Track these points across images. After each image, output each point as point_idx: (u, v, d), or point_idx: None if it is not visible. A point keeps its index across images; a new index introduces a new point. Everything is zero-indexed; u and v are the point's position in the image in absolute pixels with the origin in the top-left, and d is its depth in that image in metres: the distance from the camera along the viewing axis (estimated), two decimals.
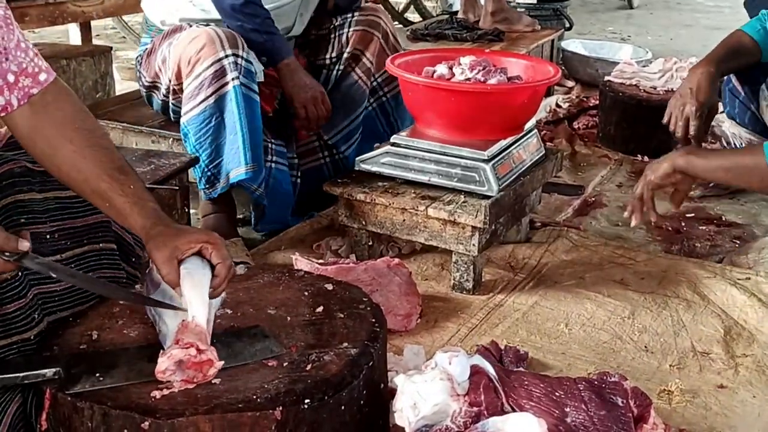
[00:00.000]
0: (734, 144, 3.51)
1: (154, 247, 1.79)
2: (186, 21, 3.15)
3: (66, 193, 1.96)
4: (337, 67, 3.44)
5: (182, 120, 2.97)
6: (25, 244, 1.67)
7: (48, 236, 1.91)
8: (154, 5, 3.23)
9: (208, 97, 2.90)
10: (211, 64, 2.87)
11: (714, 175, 2.60)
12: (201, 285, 1.76)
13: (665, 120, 3.16)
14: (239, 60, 2.90)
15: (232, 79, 2.89)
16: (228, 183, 2.96)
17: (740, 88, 3.44)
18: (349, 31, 3.42)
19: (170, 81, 3.08)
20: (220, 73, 2.88)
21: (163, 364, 1.64)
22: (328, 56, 3.45)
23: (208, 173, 2.96)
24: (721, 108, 3.41)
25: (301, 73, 3.17)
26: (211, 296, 1.78)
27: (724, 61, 3.15)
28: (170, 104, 3.18)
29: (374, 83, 3.45)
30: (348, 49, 3.42)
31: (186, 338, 1.66)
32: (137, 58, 3.33)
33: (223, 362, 1.68)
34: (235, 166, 2.93)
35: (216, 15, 3.08)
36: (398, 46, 3.46)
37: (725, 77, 3.41)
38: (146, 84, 3.27)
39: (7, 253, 1.65)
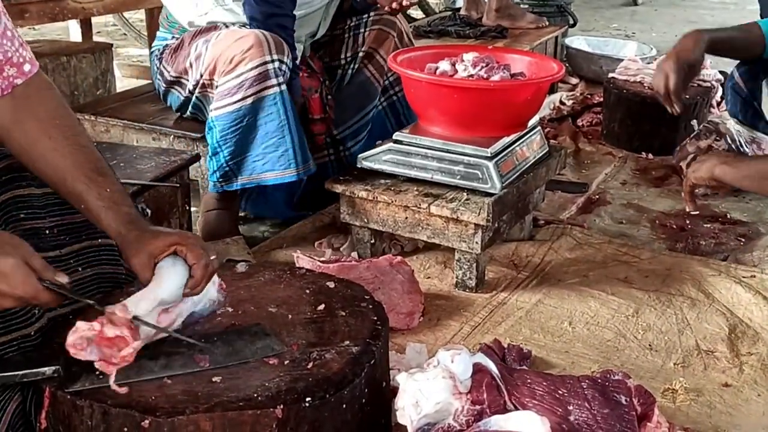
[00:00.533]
0: (738, 141, 3.51)
1: (129, 253, 1.78)
2: (214, 23, 3.16)
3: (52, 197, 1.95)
4: (351, 66, 3.45)
5: (211, 114, 2.98)
6: (65, 278, 1.65)
7: (47, 231, 1.91)
8: (181, 6, 3.22)
9: (246, 98, 2.90)
10: (256, 66, 2.88)
11: (742, 183, 2.75)
12: (159, 282, 1.75)
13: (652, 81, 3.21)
14: (284, 67, 2.92)
15: (278, 84, 2.90)
16: (260, 181, 2.97)
17: (743, 86, 3.44)
18: (365, 31, 3.45)
19: (201, 76, 3.07)
20: (263, 77, 2.89)
21: (70, 338, 1.62)
22: (342, 56, 3.48)
23: (227, 168, 2.97)
24: (720, 94, 3.41)
25: None
26: (186, 295, 1.78)
27: (720, 36, 3.18)
28: (193, 99, 3.17)
29: (386, 82, 3.46)
30: (363, 48, 3.44)
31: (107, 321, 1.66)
32: (155, 53, 3.32)
33: (139, 342, 1.65)
34: (281, 168, 2.94)
35: (244, 18, 3.09)
36: (412, 46, 3.47)
37: (729, 75, 3.41)
38: (169, 79, 3.25)
39: (47, 282, 1.62)
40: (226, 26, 3.12)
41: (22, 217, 1.88)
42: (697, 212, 2.83)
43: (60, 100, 1.90)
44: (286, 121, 2.92)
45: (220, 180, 2.99)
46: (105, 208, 1.80)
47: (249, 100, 2.90)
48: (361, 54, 3.45)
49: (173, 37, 3.24)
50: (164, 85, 3.29)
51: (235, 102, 2.91)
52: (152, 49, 3.38)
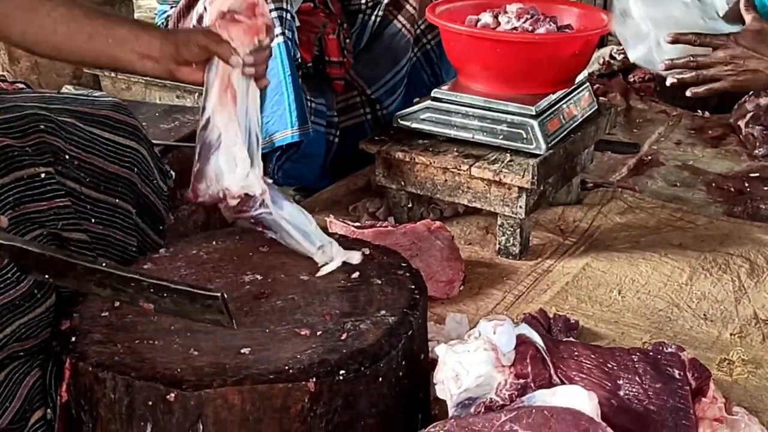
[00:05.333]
0: None
1: (191, 32, 1.89)
2: None
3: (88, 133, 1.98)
4: (375, 12, 3.41)
5: None
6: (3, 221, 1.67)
7: (67, 157, 1.93)
8: None
9: None
10: None
11: None
12: None
13: None
14: (285, 14, 2.88)
15: (278, 34, 2.87)
16: (272, 144, 2.96)
17: None
18: None
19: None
20: None
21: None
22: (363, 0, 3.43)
23: None
24: None
25: None
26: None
27: None
28: None
29: (418, 31, 3.42)
30: None
31: None
32: (161, 24, 3.31)
33: None
34: (281, 128, 2.92)
35: None
36: None
37: None
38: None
39: None
40: None
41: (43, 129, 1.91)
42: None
43: None
44: (284, 75, 2.87)
45: None
46: (138, 27, 1.86)
47: None
48: (386, 1, 3.39)
49: (171, 6, 3.22)
50: None
51: None
52: (156, 25, 3.37)
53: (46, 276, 1.67)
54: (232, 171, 1.91)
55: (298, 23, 3.02)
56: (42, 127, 1.89)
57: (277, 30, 2.85)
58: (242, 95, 1.93)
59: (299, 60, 3.00)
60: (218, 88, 1.92)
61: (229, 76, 1.91)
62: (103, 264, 1.66)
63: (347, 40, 3.33)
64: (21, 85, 2.08)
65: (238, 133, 1.92)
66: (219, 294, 1.63)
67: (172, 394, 1.57)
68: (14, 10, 1.83)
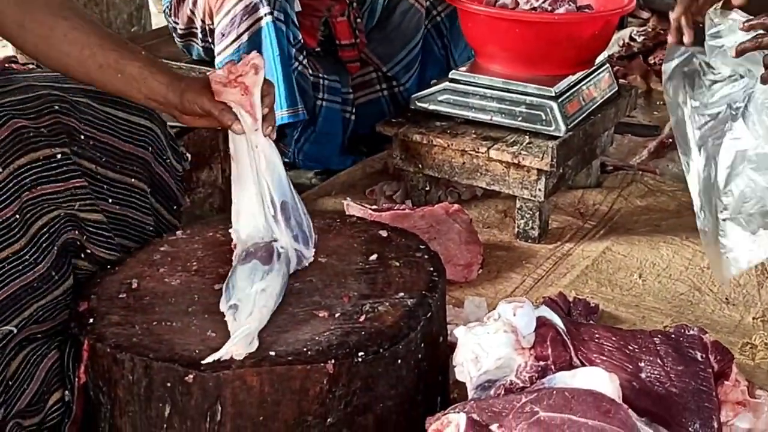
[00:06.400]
0: None
1: (197, 91, 1.82)
2: None
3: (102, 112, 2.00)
4: None
5: (216, 61, 2.97)
6: None
7: (83, 137, 1.94)
8: None
9: (240, 35, 2.87)
10: None
11: None
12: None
13: None
14: None
15: (266, 14, 2.85)
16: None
17: None
18: None
19: (204, 22, 3.06)
20: (252, 9, 2.85)
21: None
22: None
23: None
24: None
25: None
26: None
27: None
28: (212, 47, 3.17)
29: (428, 3, 3.40)
30: None
31: None
32: (166, 11, 3.32)
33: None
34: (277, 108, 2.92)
35: None
36: None
37: None
38: (181, 32, 3.25)
39: None
40: None
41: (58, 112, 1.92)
42: None
43: None
44: (272, 57, 2.84)
45: None
46: (149, 65, 1.85)
47: (245, 37, 2.87)
48: None
49: None
50: (181, 40, 3.28)
51: (231, 42, 2.89)
52: (163, 9, 3.38)
53: None
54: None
55: (299, 7, 3.01)
56: (57, 107, 1.90)
57: (265, 9, 2.83)
58: (252, 160, 1.87)
59: (300, 42, 2.99)
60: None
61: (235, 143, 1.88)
62: None
63: (358, 20, 3.32)
64: (32, 66, 2.09)
65: (252, 199, 1.88)
66: None
67: (191, 376, 1.58)
68: (31, 23, 1.85)
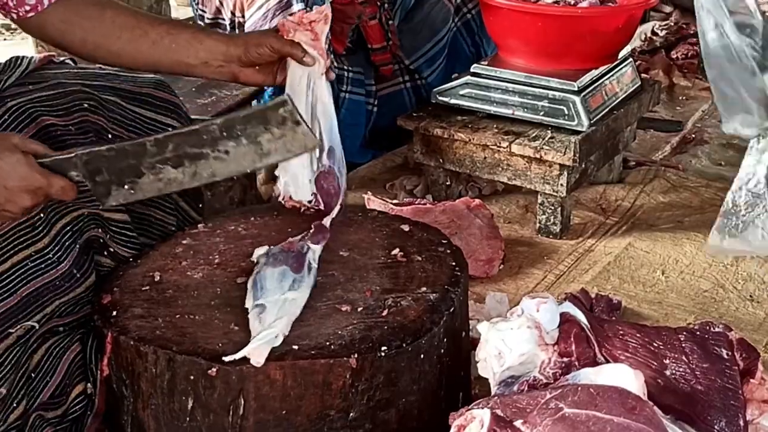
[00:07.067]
0: None
1: (261, 35, 1.96)
2: None
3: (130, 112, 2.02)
4: None
5: None
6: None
7: (110, 136, 1.95)
8: None
9: None
10: None
11: None
12: None
13: None
14: None
15: (299, 11, 2.85)
16: None
17: None
18: None
19: (233, 14, 3.07)
20: (286, 4, 2.86)
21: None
22: None
23: None
24: None
25: None
26: None
27: None
28: None
29: (458, 0, 3.41)
30: None
31: None
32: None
33: None
34: None
35: None
36: None
37: None
38: (208, 22, 3.25)
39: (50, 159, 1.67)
40: None
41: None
42: None
43: None
44: None
45: None
46: (201, 29, 1.95)
47: None
48: None
49: None
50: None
51: None
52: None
53: (118, 176, 1.71)
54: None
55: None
56: (86, 105, 1.92)
57: (298, 6, 2.84)
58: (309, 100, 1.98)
59: (330, 49, 2.99)
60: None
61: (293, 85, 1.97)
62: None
63: (390, 22, 3.32)
64: (69, 62, 2.10)
65: None
66: (285, 97, 1.71)
67: (214, 369, 1.59)
68: (75, 17, 1.90)
